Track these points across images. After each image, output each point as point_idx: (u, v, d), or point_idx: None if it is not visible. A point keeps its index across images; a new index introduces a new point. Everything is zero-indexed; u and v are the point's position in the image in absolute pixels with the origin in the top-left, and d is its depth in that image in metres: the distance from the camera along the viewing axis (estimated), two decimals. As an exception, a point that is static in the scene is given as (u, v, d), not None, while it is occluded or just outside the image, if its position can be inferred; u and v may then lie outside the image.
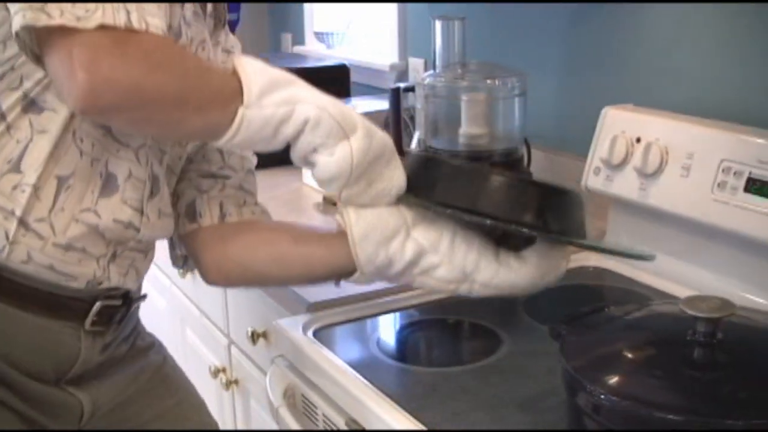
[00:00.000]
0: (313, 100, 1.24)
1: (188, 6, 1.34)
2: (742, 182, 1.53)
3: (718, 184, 1.56)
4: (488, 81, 1.97)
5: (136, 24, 1.12)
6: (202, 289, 2.22)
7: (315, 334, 1.48)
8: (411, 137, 2.05)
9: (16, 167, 1.24)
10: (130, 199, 1.33)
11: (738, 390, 0.98)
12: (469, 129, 1.95)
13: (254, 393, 2.05)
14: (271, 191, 2.18)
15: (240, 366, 2.11)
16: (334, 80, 2.84)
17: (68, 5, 1.09)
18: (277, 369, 1.53)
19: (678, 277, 1.58)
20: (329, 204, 2.16)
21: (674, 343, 1.06)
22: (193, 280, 2.26)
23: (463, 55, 2.05)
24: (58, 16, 1.08)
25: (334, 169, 1.26)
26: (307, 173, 2.42)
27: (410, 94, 2.13)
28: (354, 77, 2.95)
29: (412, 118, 2.13)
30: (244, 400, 2.15)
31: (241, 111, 1.20)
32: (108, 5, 1.10)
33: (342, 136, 1.25)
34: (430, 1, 2.56)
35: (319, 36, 3.33)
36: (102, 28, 1.09)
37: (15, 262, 1.26)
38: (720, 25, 1.74)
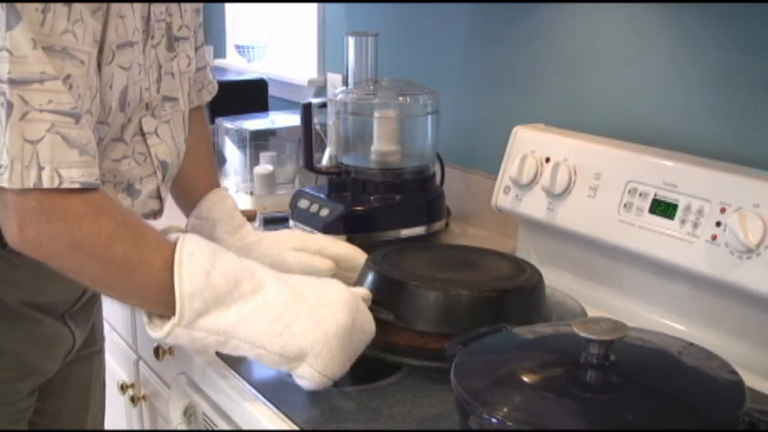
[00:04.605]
0: (249, 338, 1.21)
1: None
2: (648, 203, 1.54)
3: (625, 205, 1.57)
4: (400, 98, 1.96)
5: (46, 182, 1.13)
6: (109, 303, 2.18)
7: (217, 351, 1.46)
8: (324, 153, 2.04)
9: None
10: (151, 192, 1.44)
11: (627, 412, 0.98)
12: (380, 146, 1.94)
13: (161, 410, 2.02)
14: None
15: (147, 382, 2.08)
16: (252, 94, 2.83)
17: None
18: (179, 386, 1.51)
19: (584, 296, 1.58)
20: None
21: (568, 365, 1.06)
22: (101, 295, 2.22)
23: (376, 71, 2.04)
24: None
25: (314, 386, 1.25)
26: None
27: (325, 109, 2.12)
28: (273, 91, 2.94)
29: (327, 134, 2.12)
30: (151, 417, 2.11)
31: (169, 327, 1.20)
32: (17, 161, 1.12)
33: (294, 363, 1.23)
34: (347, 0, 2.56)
35: (240, 49, 3.31)
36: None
37: None
38: (629, 48, 1.76)
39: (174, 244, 1.23)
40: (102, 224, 1.17)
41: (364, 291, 1.37)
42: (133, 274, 1.19)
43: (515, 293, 1.39)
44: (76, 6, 1.17)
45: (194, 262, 1.20)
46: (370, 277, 1.43)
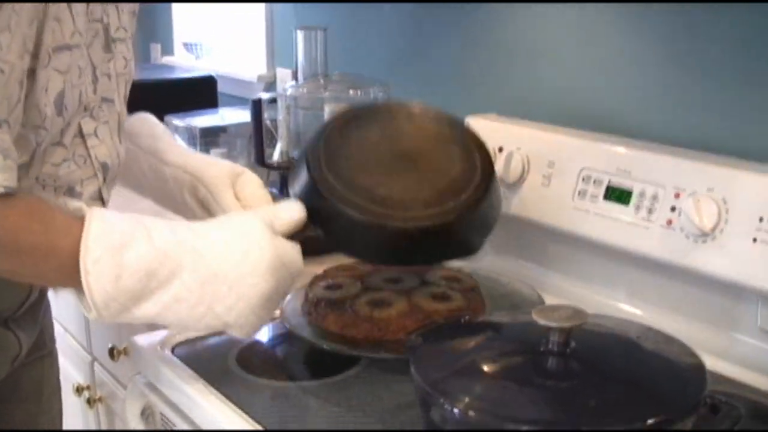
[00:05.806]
0: (174, 322, 1.21)
1: None
2: (602, 190, 1.54)
3: (579, 192, 1.57)
4: (351, 92, 1.96)
5: None
6: (63, 303, 2.16)
7: (174, 350, 1.44)
8: (275, 148, 2.03)
9: None
10: (93, 194, 1.39)
11: (589, 398, 0.98)
12: (332, 140, 1.93)
13: (118, 411, 2.00)
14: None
15: (103, 383, 2.06)
16: (201, 91, 2.81)
17: None
18: (135, 387, 1.49)
19: (541, 284, 1.58)
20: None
21: (528, 353, 1.06)
22: (54, 295, 2.19)
23: (326, 66, 2.03)
24: None
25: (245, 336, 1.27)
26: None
27: (276, 104, 2.11)
28: (223, 88, 2.92)
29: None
30: (109, 419, 2.10)
31: (87, 313, 1.20)
32: None
33: (223, 330, 1.24)
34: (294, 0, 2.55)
35: (188, 46, 3.29)
36: None
37: None
38: (580, 35, 1.76)
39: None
40: (5, 217, 1.15)
41: (298, 214, 1.29)
42: (47, 261, 1.17)
43: (455, 224, 1.32)
44: (4, 15, 1.14)
45: (100, 271, 1.16)
46: (304, 179, 1.33)
